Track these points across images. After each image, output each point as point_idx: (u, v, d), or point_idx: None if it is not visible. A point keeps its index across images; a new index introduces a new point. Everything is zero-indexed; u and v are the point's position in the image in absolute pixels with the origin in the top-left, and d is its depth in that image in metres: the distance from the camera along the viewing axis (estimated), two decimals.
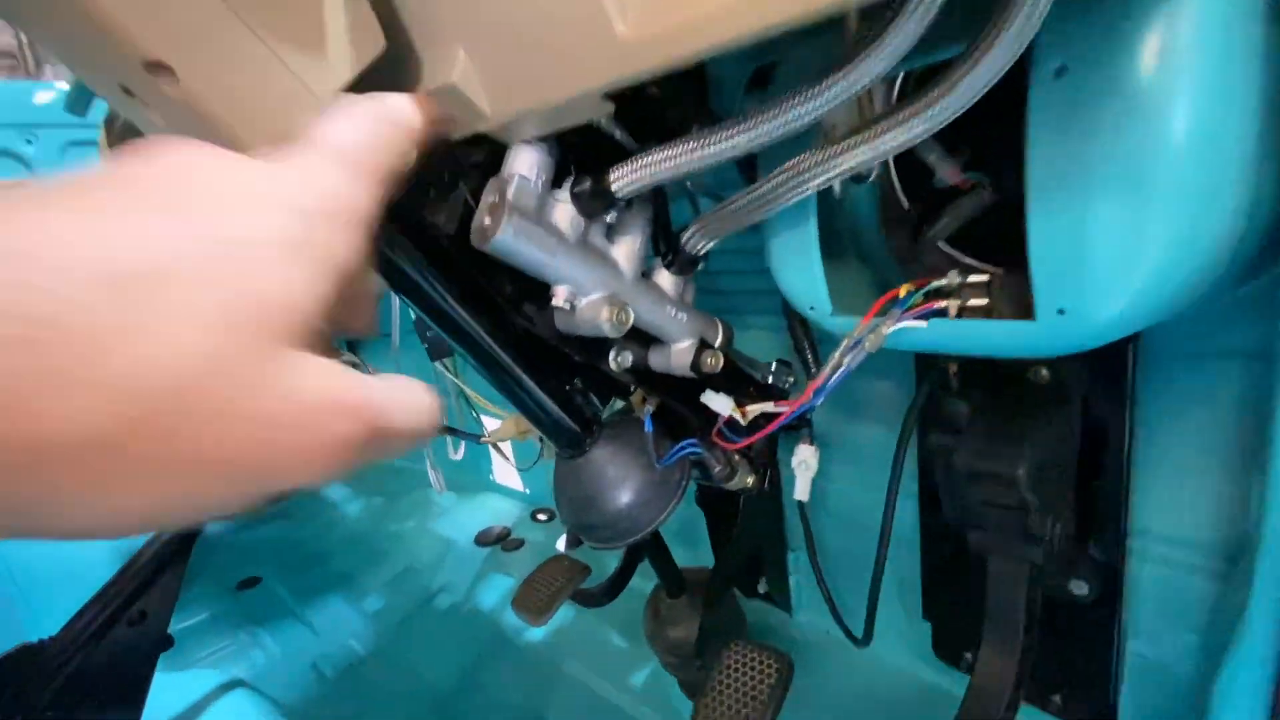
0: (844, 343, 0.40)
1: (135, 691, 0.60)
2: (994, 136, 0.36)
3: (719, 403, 0.52)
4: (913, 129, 0.30)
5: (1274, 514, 0.34)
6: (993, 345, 0.38)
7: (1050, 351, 0.36)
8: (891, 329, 0.39)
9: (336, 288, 0.19)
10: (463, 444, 1.12)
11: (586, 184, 0.41)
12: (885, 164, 0.47)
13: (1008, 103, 0.32)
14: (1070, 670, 0.54)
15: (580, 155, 0.43)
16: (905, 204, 0.50)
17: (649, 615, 0.70)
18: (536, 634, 0.94)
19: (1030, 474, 0.42)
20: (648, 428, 0.52)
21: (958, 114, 0.29)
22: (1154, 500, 0.49)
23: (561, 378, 0.54)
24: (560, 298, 0.43)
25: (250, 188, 0.19)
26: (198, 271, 0.16)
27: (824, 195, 0.44)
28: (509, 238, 0.38)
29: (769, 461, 0.68)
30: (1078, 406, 0.46)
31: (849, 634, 0.61)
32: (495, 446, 1.12)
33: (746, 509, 0.66)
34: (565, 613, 0.96)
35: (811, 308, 0.45)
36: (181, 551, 0.61)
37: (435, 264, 0.43)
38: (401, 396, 0.20)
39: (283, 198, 0.19)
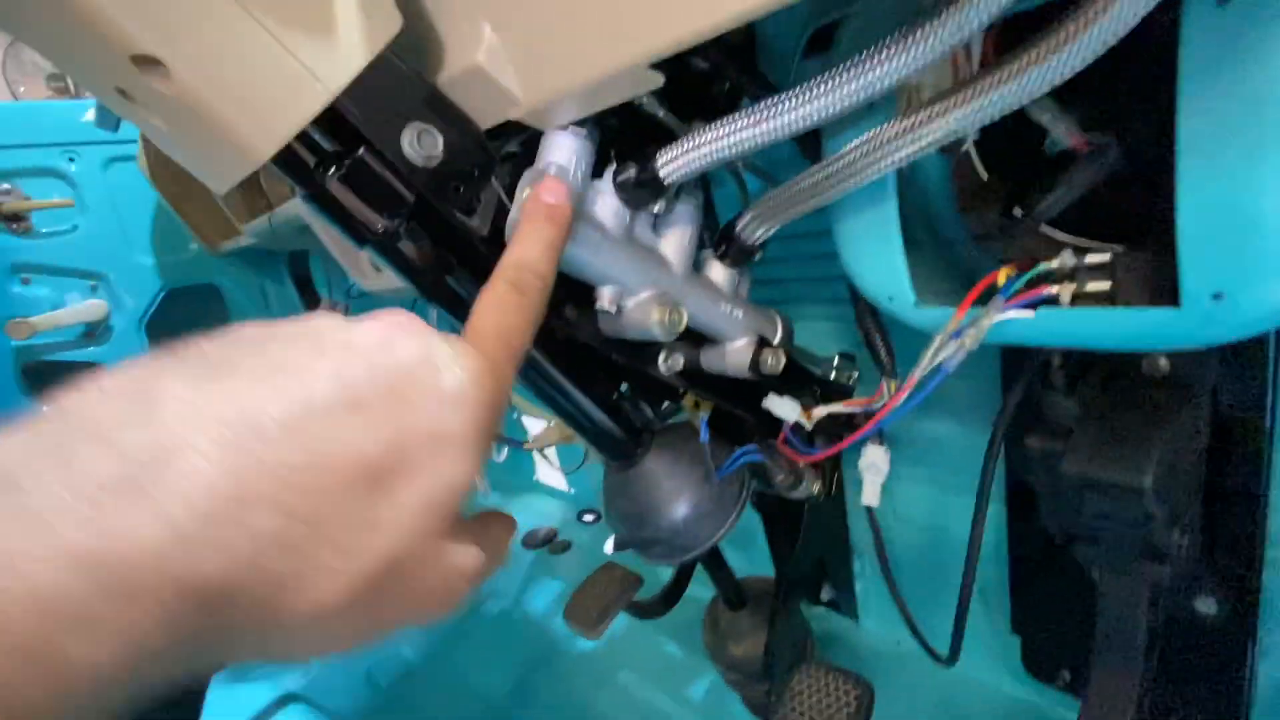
0: (937, 339, 0.34)
1: (189, 710, 0.59)
2: (1119, 87, 0.30)
3: (784, 408, 0.47)
4: (1027, 85, 0.25)
5: None
6: (1119, 337, 0.32)
7: (1197, 342, 0.30)
8: (993, 321, 0.34)
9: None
10: (505, 447, 1.10)
11: (631, 171, 0.36)
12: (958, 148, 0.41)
13: (1136, 42, 0.26)
14: (1192, 698, 0.47)
15: (621, 141, 0.38)
16: (984, 175, 0.44)
17: (708, 627, 0.66)
18: (589, 642, 0.91)
19: (1157, 482, 0.36)
20: (704, 437, 0.48)
21: (1089, 61, 0.23)
22: None
23: (607, 384, 0.50)
24: (605, 300, 0.39)
25: (452, 374, 0.21)
26: (418, 466, 0.19)
27: (903, 183, 0.39)
28: None
29: (836, 465, 0.63)
30: (1206, 401, 0.40)
31: (931, 652, 0.56)
32: (539, 450, 1.10)
33: (810, 517, 0.61)
34: (618, 618, 0.93)
35: (890, 298, 0.40)
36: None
37: (467, 266, 0.39)
38: (491, 544, 0.24)
39: (475, 398, 0.21)
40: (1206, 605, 0.43)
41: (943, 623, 0.65)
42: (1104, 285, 0.32)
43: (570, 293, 0.42)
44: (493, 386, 0.22)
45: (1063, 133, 0.30)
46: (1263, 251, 0.25)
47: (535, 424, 0.89)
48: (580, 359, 0.47)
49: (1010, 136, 0.38)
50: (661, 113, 0.39)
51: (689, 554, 0.50)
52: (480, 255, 0.37)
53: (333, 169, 0.31)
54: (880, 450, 0.62)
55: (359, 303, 1.27)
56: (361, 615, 0.19)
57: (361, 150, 0.30)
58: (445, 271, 0.38)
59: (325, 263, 1.26)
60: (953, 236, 0.45)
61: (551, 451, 1.23)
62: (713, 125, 0.33)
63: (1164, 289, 0.29)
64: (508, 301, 0.27)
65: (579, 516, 1.22)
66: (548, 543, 1.18)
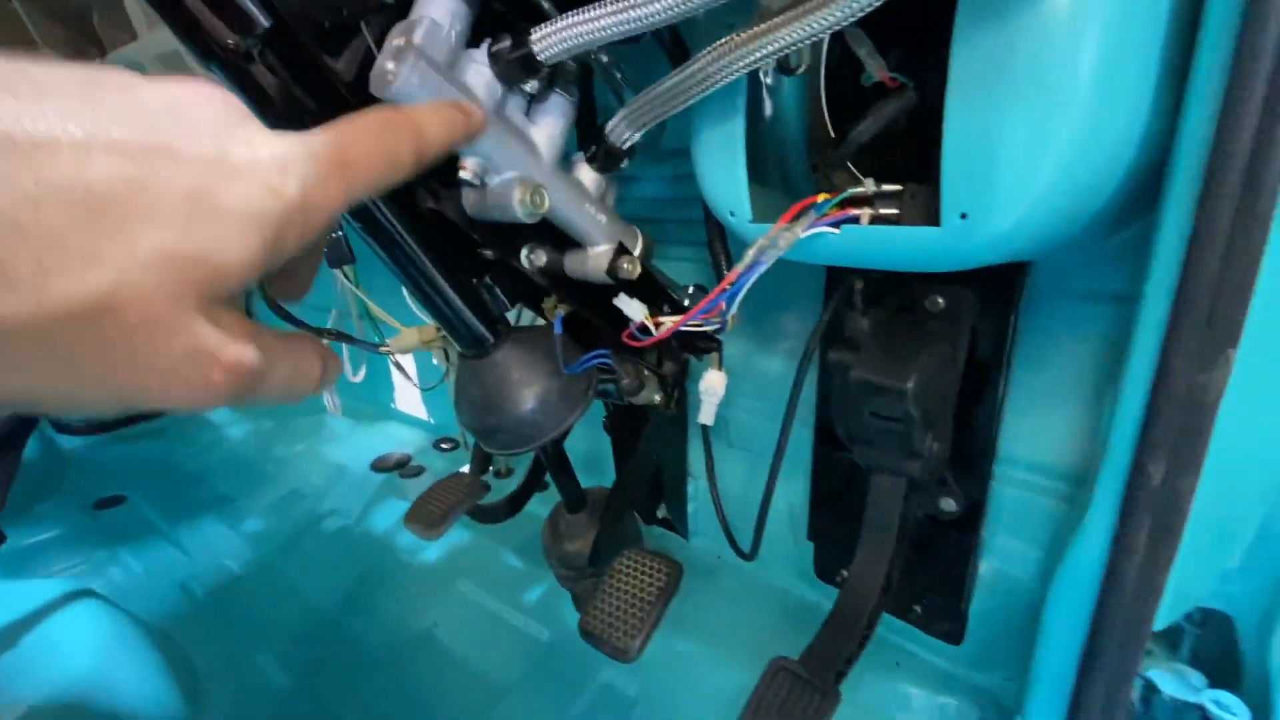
0: (758, 241, 0.39)
1: None
2: (924, 40, 0.36)
3: (633, 307, 0.51)
4: (847, 7, 0.29)
5: (1117, 442, 0.37)
6: (899, 255, 0.39)
7: (949, 261, 0.37)
8: (806, 233, 0.39)
9: (277, 264, 0.21)
10: (363, 367, 1.05)
11: (506, 42, 0.38)
12: (817, 79, 0.46)
13: (941, 7, 0.32)
14: (931, 583, 0.58)
15: (500, 19, 0.39)
16: (831, 131, 0.50)
17: (547, 530, 0.70)
18: (429, 555, 0.92)
19: (917, 389, 0.44)
20: (558, 329, 0.50)
21: None
22: (1021, 429, 0.53)
23: (470, 272, 0.51)
24: (469, 170, 0.40)
25: (249, 149, 0.20)
26: (167, 211, 0.18)
27: (753, 106, 0.43)
28: (412, 87, 0.35)
29: (679, 383, 0.69)
30: (966, 335, 0.49)
31: (737, 549, 0.64)
32: (396, 363, 1.07)
33: (651, 427, 0.66)
34: (460, 534, 0.94)
35: (732, 213, 0.45)
36: (14, 442, 0.53)
37: (326, 111, 0.38)
38: (287, 360, 0.23)
39: (269, 171, 0.20)
40: (948, 505, 0.53)
41: (766, 546, 0.74)
42: (894, 210, 0.38)
43: (439, 166, 0.42)
44: (302, 186, 0.21)
45: (874, 68, 0.36)
46: (995, 182, 0.32)
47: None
48: (445, 242, 0.48)
49: (851, 88, 0.44)
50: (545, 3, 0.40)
51: (531, 444, 0.53)
52: (341, 101, 0.37)
53: None
54: (719, 375, 0.69)
55: None
56: (62, 352, 0.18)
57: None
58: (301, 114, 0.37)
59: None
60: (799, 173, 0.50)
61: (410, 363, 1.20)
62: (586, 9, 0.35)
63: (933, 214, 0.36)
64: (371, 126, 0.25)
65: (436, 444, 1.21)
66: (400, 467, 1.16)
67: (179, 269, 0.19)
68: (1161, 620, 0.39)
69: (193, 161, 0.19)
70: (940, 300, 0.49)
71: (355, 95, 0.36)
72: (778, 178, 0.48)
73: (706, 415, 0.69)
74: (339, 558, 0.97)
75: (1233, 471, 0.36)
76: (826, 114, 0.49)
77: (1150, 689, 0.44)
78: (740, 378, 0.73)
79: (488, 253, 0.53)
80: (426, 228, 0.46)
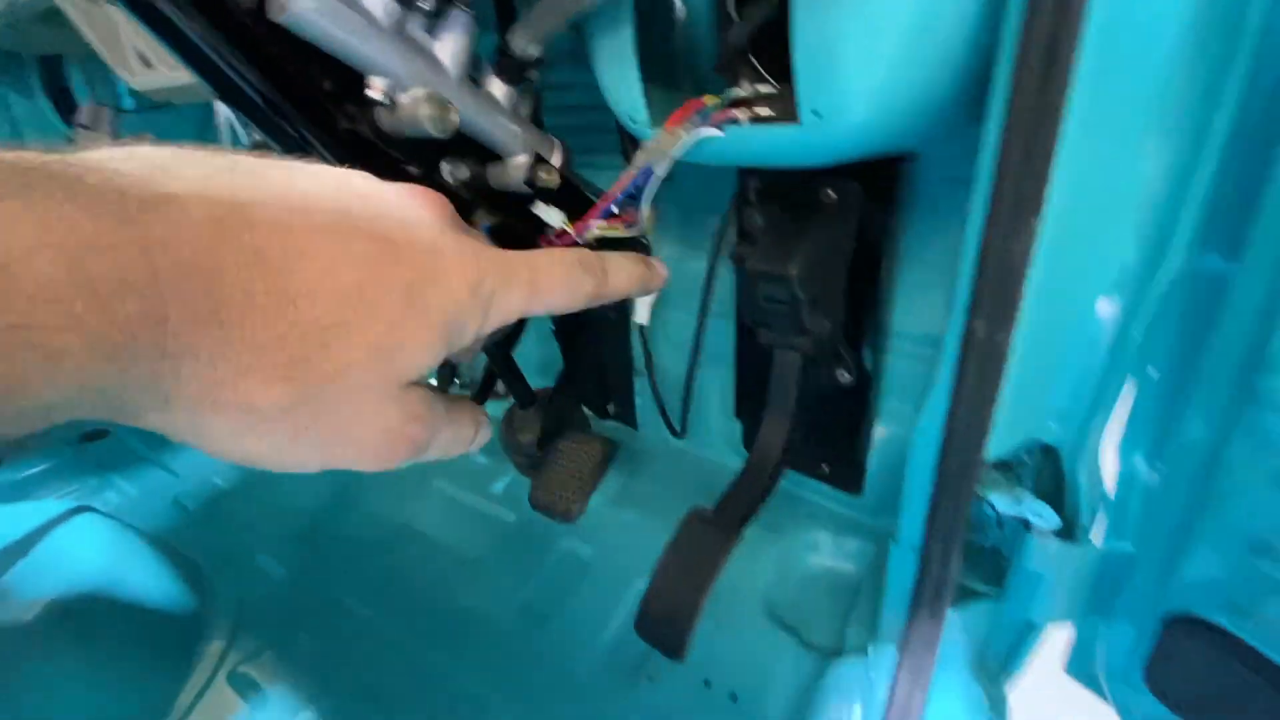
0: (645, 145, 0.43)
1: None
2: None
3: (550, 214, 0.55)
4: None
5: (957, 306, 0.44)
6: (774, 152, 0.44)
7: (813, 156, 0.42)
8: (692, 135, 0.44)
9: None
10: None
11: None
12: None
13: None
14: (835, 445, 0.67)
15: None
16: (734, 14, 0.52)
17: (504, 425, 0.77)
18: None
19: (801, 275, 0.50)
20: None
21: None
22: (910, 305, 0.60)
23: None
24: (376, 90, 0.43)
25: (457, 254, 0.23)
26: (386, 307, 0.21)
27: (649, 9, 0.46)
28: (309, 11, 0.37)
29: None
30: (854, 225, 0.54)
31: (671, 429, 0.72)
32: None
33: (590, 325, 0.72)
34: None
35: (632, 119, 0.49)
36: None
37: (239, 45, 0.41)
38: (449, 429, 0.26)
39: (469, 277, 0.23)
40: (844, 377, 0.61)
41: (698, 425, 0.82)
42: (769, 111, 0.43)
43: (349, 87, 0.45)
44: (492, 295, 0.24)
45: None
46: (839, 78, 0.37)
47: None
48: (368, 162, 0.51)
49: None
50: None
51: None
52: (247, 34, 0.39)
53: None
54: None
55: (133, 120, 1.13)
56: (296, 427, 0.20)
57: None
58: (204, 43, 0.39)
59: (87, 70, 1.09)
60: (708, 76, 0.53)
61: None
62: None
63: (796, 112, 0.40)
64: (565, 261, 0.31)
65: None
66: None
67: (385, 360, 0.21)
68: (994, 452, 0.47)
69: (412, 262, 0.22)
70: (831, 193, 0.54)
71: (259, 26, 0.39)
72: (689, 81, 0.52)
73: (641, 315, 0.75)
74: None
75: (1045, 325, 0.43)
76: (736, 15, 0.52)
77: (996, 512, 0.54)
78: (673, 279, 0.78)
79: (412, 169, 0.56)
80: (346, 148, 0.49)
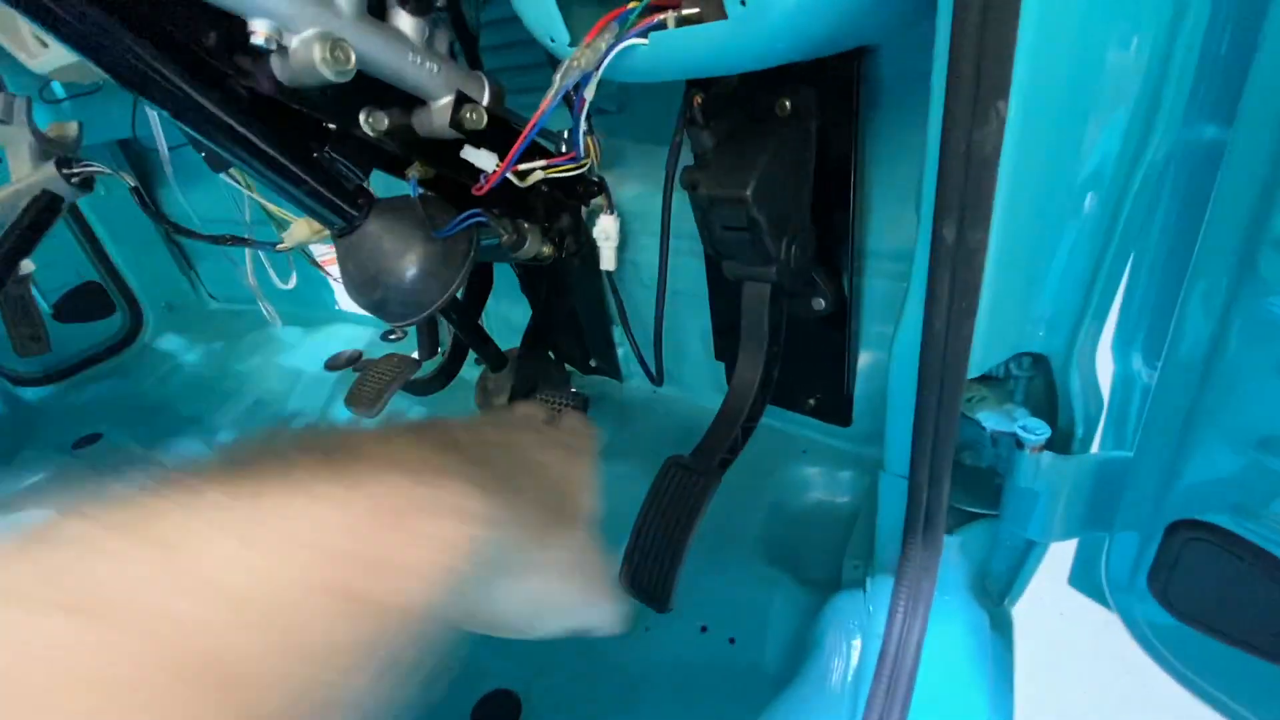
0: (562, 65, 0.39)
1: None
2: None
3: (481, 158, 0.51)
4: None
5: (924, 210, 0.40)
6: (704, 58, 0.39)
7: (748, 57, 0.37)
8: (615, 47, 0.39)
9: None
10: (293, 274, 1.05)
11: None
12: None
13: None
14: (819, 377, 0.64)
15: None
16: None
17: (479, 390, 0.75)
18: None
19: (759, 195, 0.46)
20: (412, 192, 0.51)
21: None
22: (882, 221, 0.56)
23: (314, 148, 0.50)
24: (261, 35, 0.39)
25: None
26: None
27: None
28: None
29: (573, 233, 0.70)
30: (814, 135, 0.50)
31: (650, 376, 0.69)
32: (316, 264, 1.07)
33: (555, 276, 0.68)
34: (415, 411, 1.00)
35: (551, 39, 0.44)
36: None
37: (116, 12, 0.37)
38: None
39: None
40: (818, 304, 0.57)
41: (682, 369, 0.79)
42: (695, 10, 0.38)
43: (234, 37, 0.41)
44: None
45: None
46: None
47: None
48: (278, 121, 0.47)
49: None
50: None
51: (424, 310, 0.56)
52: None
53: None
54: (610, 219, 0.70)
55: (59, 111, 1.07)
56: None
57: None
58: (78, 14, 0.35)
59: (6, 65, 1.03)
60: None
61: (332, 263, 1.19)
62: None
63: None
64: None
65: (384, 336, 1.24)
66: (352, 363, 1.20)
67: None
68: (978, 367, 0.44)
69: None
70: (787, 103, 0.49)
71: None
72: None
73: (607, 262, 0.72)
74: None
75: (1023, 221, 0.39)
76: None
77: (988, 430, 0.51)
78: (639, 218, 0.74)
79: (328, 124, 0.52)
80: (251, 110, 0.45)
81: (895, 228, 0.56)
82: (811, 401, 0.66)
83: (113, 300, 1.48)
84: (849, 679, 0.52)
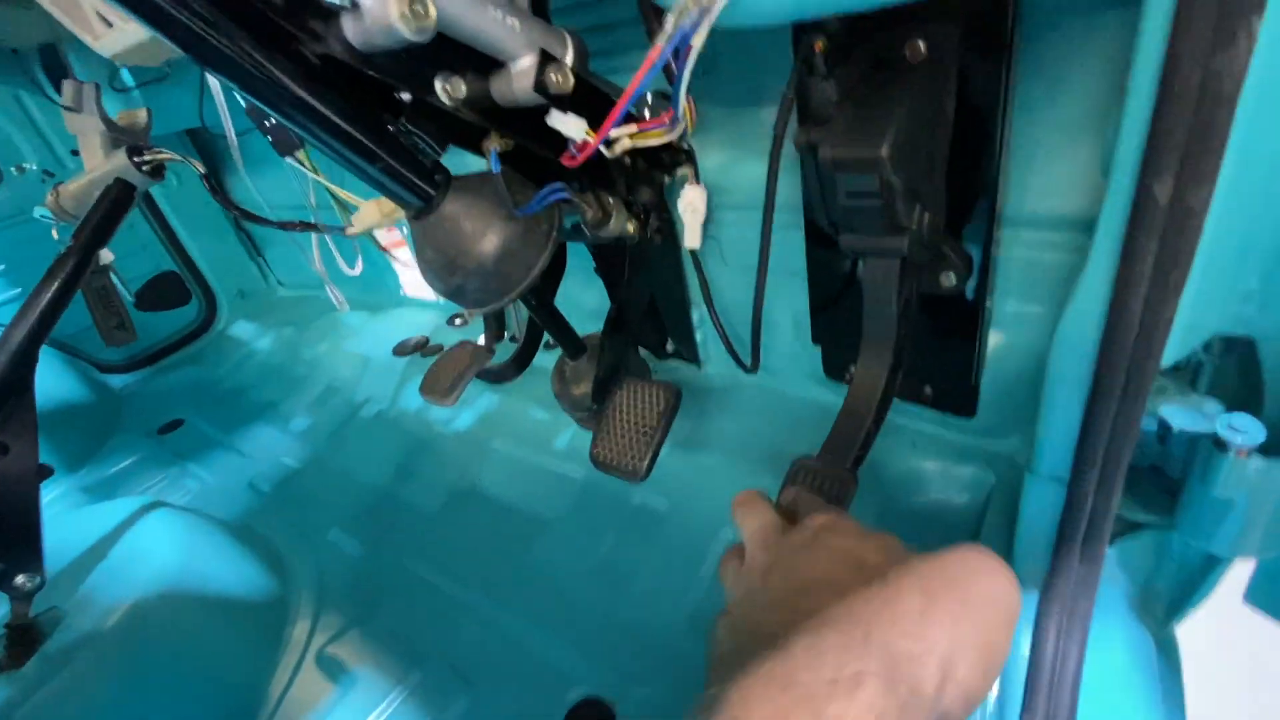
0: (676, 6, 0.33)
1: (25, 528, 0.58)
2: None
3: (569, 124, 0.45)
4: None
5: (1121, 161, 0.32)
6: None
7: None
8: None
9: None
10: (359, 259, 1.04)
11: None
12: None
13: None
14: (940, 362, 0.57)
15: None
16: None
17: (555, 379, 0.71)
18: (462, 423, 0.96)
19: (894, 155, 0.39)
20: (494, 167, 0.46)
21: None
22: (1028, 182, 0.48)
23: (389, 120, 0.46)
24: None
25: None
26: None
27: None
28: None
29: (656, 209, 0.64)
30: (953, 82, 0.42)
31: (740, 363, 0.63)
32: (384, 249, 1.05)
33: (635, 253, 0.63)
34: (488, 399, 0.98)
35: None
36: (22, 375, 0.55)
37: None
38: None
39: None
40: (949, 280, 0.50)
41: (770, 354, 0.73)
42: None
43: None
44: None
45: None
46: None
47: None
48: (352, 91, 0.43)
49: None
50: None
51: (505, 296, 0.51)
52: None
53: None
54: (697, 190, 0.64)
55: (129, 99, 1.08)
56: None
57: None
58: None
59: (79, 53, 1.04)
60: None
61: (404, 252, 1.18)
62: None
63: None
64: None
65: (449, 321, 1.22)
66: (420, 349, 1.18)
67: None
68: (1171, 355, 0.36)
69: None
70: (921, 45, 0.42)
71: None
72: None
73: (692, 238, 0.66)
74: (382, 439, 1.02)
75: (1254, 178, 0.31)
76: None
77: (1165, 426, 0.43)
78: (724, 190, 0.67)
79: (404, 96, 0.47)
80: (323, 79, 0.41)
81: (1045, 190, 0.48)
82: (928, 389, 0.59)
83: (189, 289, 1.52)
84: (989, 708, 0.46)
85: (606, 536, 0.72)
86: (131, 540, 0.70)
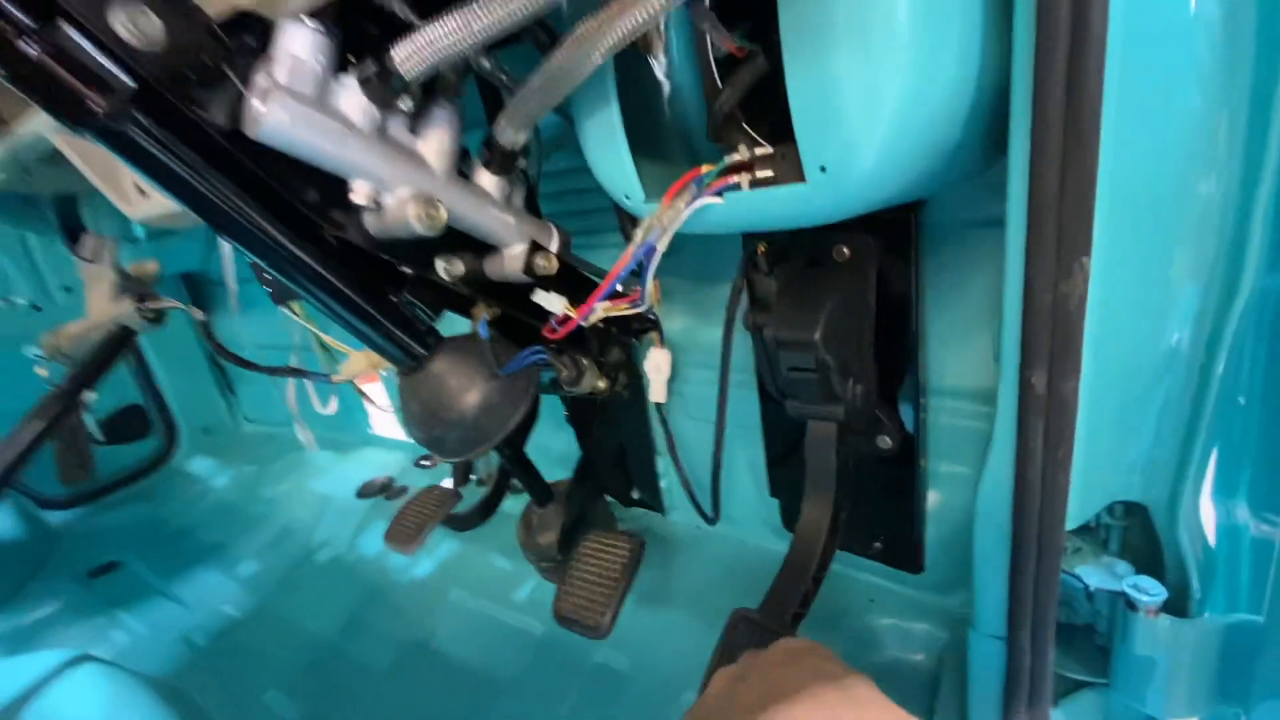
0: (644, 222, 0.41)
1: None
2: (768, 5, 0.37)
3: (551, 301, 0.52)
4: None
5: (1006, 357, 0.39)
6: (779, 214, 0.41)
7: (824, 213, 0.39)
8: (692, 206, 0.41)
9: None
10: (333, 398, 1.06)
11: (371, 68, 0.39)
12: (705, 55, 0.47)
13: None
14: (886, 519, 0.61)
15: (364, 39, 0.40)
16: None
17: (521, 527, 0.72)
18: (421, 570, 0.93)
19: (826, 337, 0.46)
20: (483, 333, 0.52)
21: None
22: (944, 359, 0.56)
23: (390, 290, 0.52)
24: (361, 194, 0.42)
25: None
26: None
27: (636, 89, 0.44)
28: (284, 123, 0.36)
29: (625, 368, 0.70)
30: (873, 279, 0.51)
31: (703, 515, 0.66)
32: (359, 390, 1.08)
33: (604, 410, 0.68)
34: (449, 545, 0.96)
35: (626, 197, 0.46)
36: None
37: (219, 168, 0.39)
38: None
39: None
40: (884, 442, 0.56)
41: (731, 505, 0.76)
42: (769, 172, 0.40)
43: (333, 195, 0.43)
44: None
45: (719, 39, 0.37)
46: (843, 133, 0.34)
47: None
48: (361, 267, 0.49)
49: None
50: (398, 6, 0.40)
51: (481, 446, 0.55)
52: (220, 151, 0.37)
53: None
54: (662, 353, 0.71)
55: (137, 248, 1.15)
56: None
57: (59, 20, 0.30)
58: (186, 171, 0.38)
59: (94, 205, 1.12)
60: (702, 145, 0.52)
61: (378, 390, 1.21)
62: (440, 19, 0.36)
63: (801, 170, 0.37)
64: None
65: (416, 463, 1.23)
66: (384, 490, 1.18)
67: None
68: (1075, 518, 0.41)
69: None
70: (845, 249, 0.51)
71: (234, 142, 0.37)
72: (684, 153, 0.49)
73: (657, 393, 0.71)
74: (335, 586, 0.98)
75: (1114, 369, 0.38)
76: (721, 82, 0.50)
77: (1084, 586, 0.47)
78: (687, 351, 0.75)
79: (406, 269, 0.54)
80: (337, 257, 0.47)
81: (959, 366, 0.55)
82: (878, 544, 0.62)
83: (150, 420, 1.50)
84: None
85: (566, 698, 0.69)
86: (50, 699, 0.64)
